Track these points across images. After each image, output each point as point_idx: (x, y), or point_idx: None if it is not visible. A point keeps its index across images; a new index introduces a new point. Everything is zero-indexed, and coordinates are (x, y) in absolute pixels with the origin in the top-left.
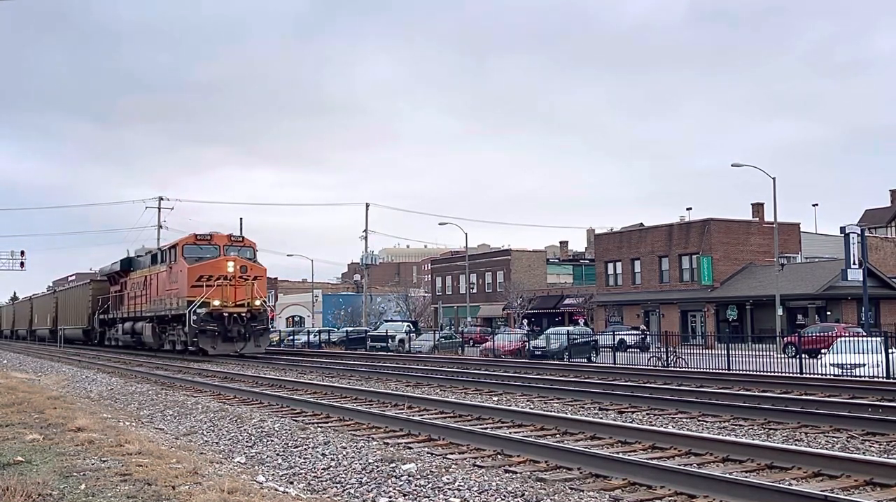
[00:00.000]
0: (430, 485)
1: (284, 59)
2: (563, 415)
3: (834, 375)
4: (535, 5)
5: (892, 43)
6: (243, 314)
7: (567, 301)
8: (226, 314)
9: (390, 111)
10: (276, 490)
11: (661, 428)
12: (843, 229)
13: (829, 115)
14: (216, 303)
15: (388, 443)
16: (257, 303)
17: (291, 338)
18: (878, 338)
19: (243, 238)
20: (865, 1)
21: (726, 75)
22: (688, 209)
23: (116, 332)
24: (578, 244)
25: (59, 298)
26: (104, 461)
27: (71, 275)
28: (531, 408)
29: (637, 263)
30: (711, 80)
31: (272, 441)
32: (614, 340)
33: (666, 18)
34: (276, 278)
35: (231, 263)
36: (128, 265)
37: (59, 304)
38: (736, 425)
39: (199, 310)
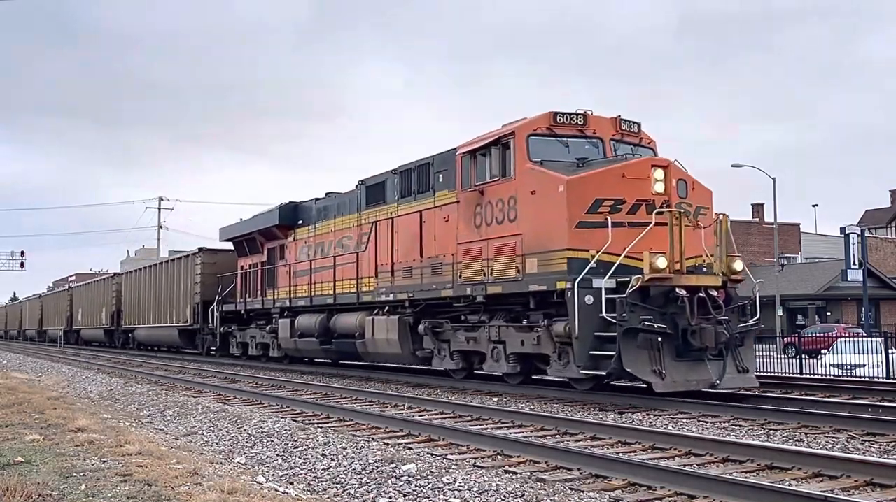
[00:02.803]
0: (430, 486)
1: (285, 62)
2: (563, 416)
3: (834, 375)
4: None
5: (884, 45)
6: (715, 295)
7: None
8: (682, 294)
9: (388, 114)
10: (276, 490)
11: (662, 429)
12: (842, 229)
13: (829, 117)
14: (658, 263)
15: (388, 444)
16: (736, 266)
17: None
18: (879, 339)
19: (638, 127)
20: (859, 4)
21: (724, 77)
22: None
23: (268, 335)
24: None
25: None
26: (104, 461)
27: (71, 276)
28: (531, 409)
29: None
30: (708, 81)
31: (272, 441)
32: None
33: (660, 24)
34: None
35: (659, 173)
36: (292, 215)
37: (109, 296)
38: (736, 425)
39: (607, 284)
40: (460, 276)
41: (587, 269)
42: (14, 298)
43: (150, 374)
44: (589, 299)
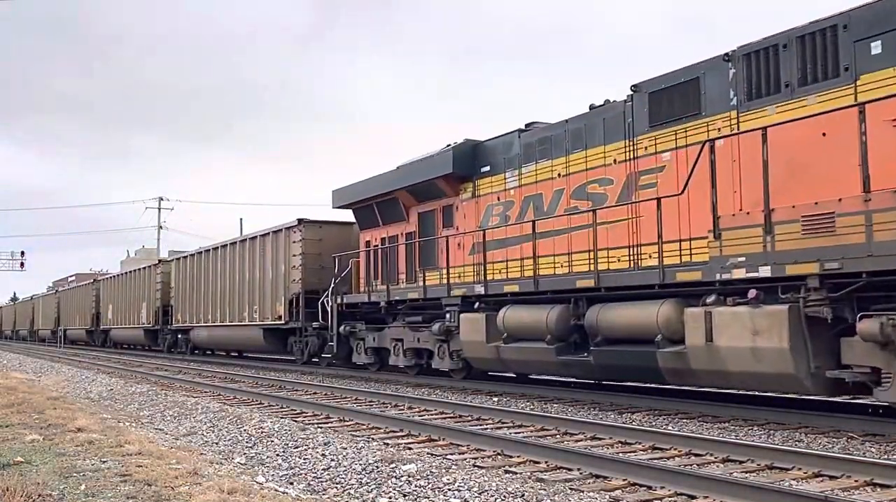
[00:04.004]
0: (430, 486)
1: (285, 63)
2: (563, 416)
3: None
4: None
5: None
6: None
7: None
8: None
9: (387, 115)
10: (276, 490)
11: (662, 429)
12: None
13: None
14: None
15: (388, 444)
16: None
17: None
18: None
19: None
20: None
21: None
22: None
23: (433, 337)
24: None
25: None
26: (104, 461)
27: (71, 276)
28: (531, 409)
29: None
30: None
31: (272, 441)
32: None
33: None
34: None
35: None
36: (469, 161)
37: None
38: (736, 426)
39: None
40: None
41: None
42: (14, 298)
43: (150, 374)
44: None
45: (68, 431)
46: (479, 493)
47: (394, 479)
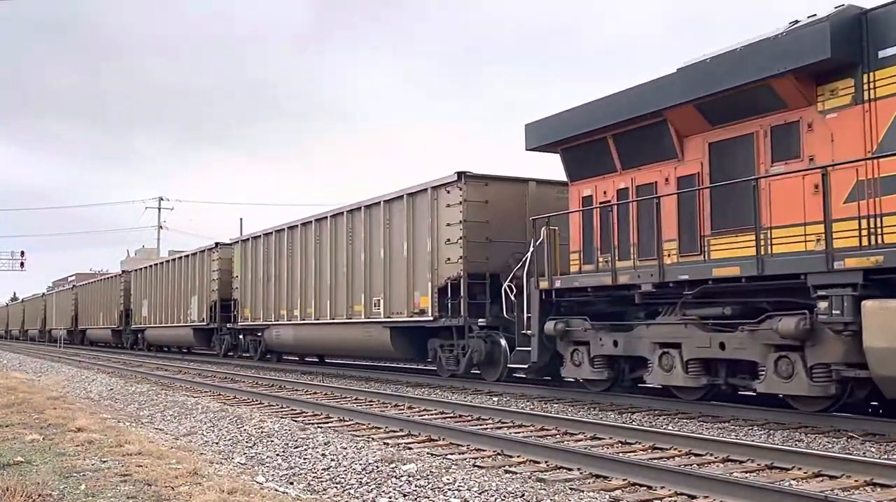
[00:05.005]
0: (430, 486)
1: (285, 65)
2: (563, 416)
3: None
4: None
5: None
6: None
7: None
8: None
9: (387, 115)
10: (276, 490)
11: (662, 429)
12: None
13: None
14: None
15: (388, 444)
16: None
17: None
18: None
19: None
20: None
21: None
22: None
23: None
24: None
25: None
26: (104, 461)
27: (71, 276)
28: (531, 409)
29: None
30: None
31: (272, 441)
32: None
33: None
34: None
35: None
36: (855, 38)
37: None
38: (736, 426)
39: None
40: None
41: None
42: (14, 298)
43: (150, 374)
44: None
45: (68, 431)
46: (479, 493)
47: (394, 479)
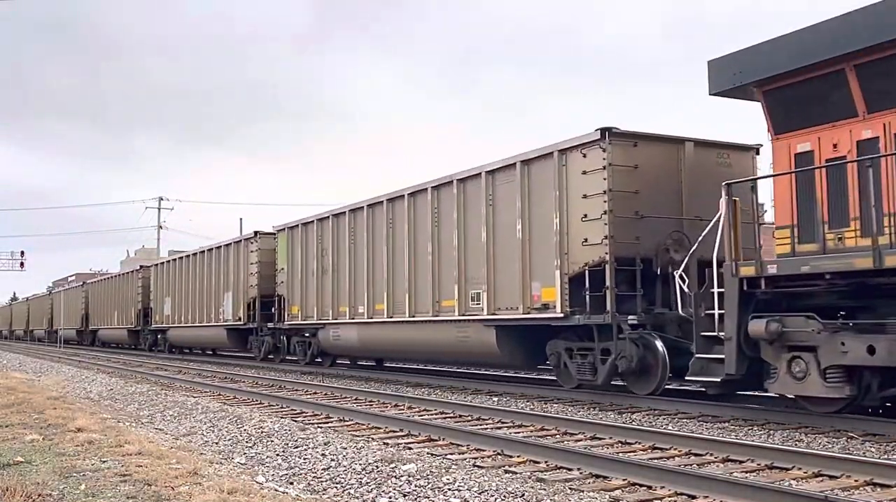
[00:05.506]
0: (430, 486)
1: (286, 66)
2: (563, 416)
3: None
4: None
5: None
6: None
7: None
8: None
9: (387, 115)
10: (276, 490)
11: (662, 429)
12: None
13: None
14: None
15: (388, 444)
16: None
17: None
18: None
19: None
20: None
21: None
22: None
23: None
24: None
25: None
26: (104, 461)
27: (71, 276)
28: (531, 409)
29: None
30: (696, 83)
31: (272, 441)
32: None
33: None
34: None
35: None
36: None
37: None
38: (736, 426)
39: None
40: None
41: None
42: (14, 298)
43: (150, 374)
44: None
45: (68, 431)
46: (479, 493)
47: (394, 479)
